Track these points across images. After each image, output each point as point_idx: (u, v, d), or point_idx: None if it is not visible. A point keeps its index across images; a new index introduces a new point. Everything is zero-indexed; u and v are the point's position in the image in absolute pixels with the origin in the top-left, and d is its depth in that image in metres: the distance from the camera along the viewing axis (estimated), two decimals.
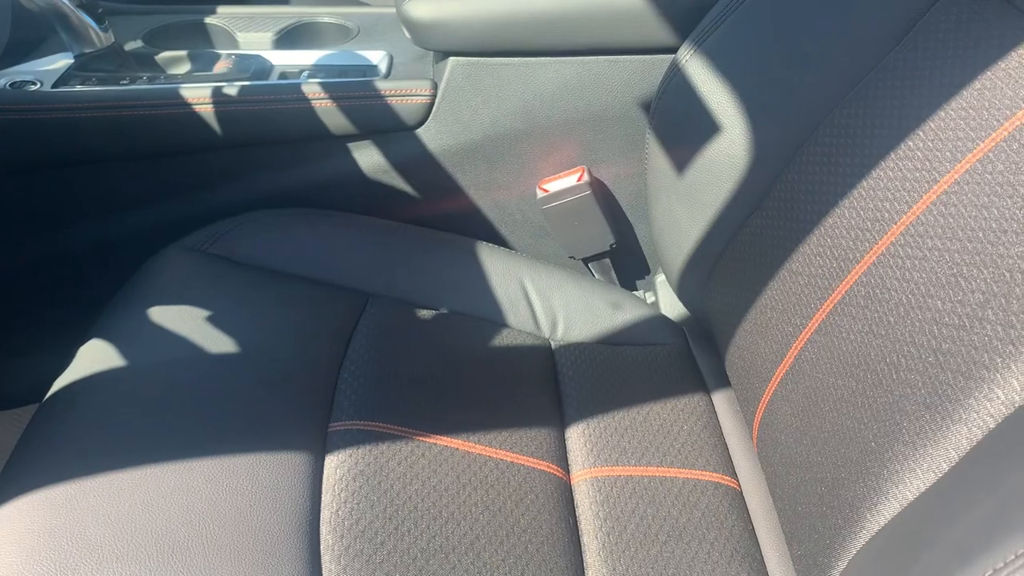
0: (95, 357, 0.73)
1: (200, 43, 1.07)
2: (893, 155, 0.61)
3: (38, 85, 0.93)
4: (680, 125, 0.79)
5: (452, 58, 0.93)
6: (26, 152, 0.93)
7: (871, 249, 0.60)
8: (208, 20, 1.09)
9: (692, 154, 0.77)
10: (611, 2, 0.89)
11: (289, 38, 1.07)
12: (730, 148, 0.74)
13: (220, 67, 0.98)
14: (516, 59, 0.93)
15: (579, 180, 0.97)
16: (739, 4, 0.74)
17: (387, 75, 0.97)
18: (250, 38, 1.07)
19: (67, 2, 0.91)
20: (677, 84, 0.77)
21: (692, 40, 0.77)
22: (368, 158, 0.97)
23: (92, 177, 0.96)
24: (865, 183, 0.62)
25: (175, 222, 0.93)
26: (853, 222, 0.62)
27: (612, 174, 1.00)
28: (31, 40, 1.00)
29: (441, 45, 0.94)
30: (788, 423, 0.64)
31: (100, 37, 0.94)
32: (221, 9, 1.11)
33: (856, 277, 0.60)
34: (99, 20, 0.94)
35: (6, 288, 1.02)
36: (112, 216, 0.99)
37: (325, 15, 1.10)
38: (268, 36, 1.06)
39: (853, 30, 0.67)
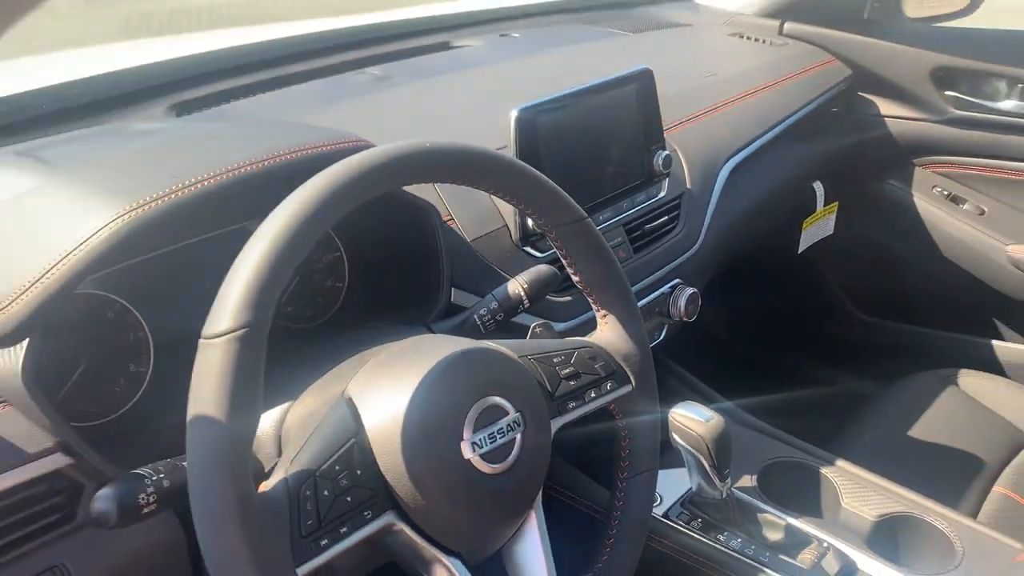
0: None
1: (806, 494, 1.15)
2: None
3: (658, 501, 1.11)
4: None
5: None
6: None
7: None
8: (824, 471, 1.16)
9: None
10: None
11: (888, 528, 1.09)
12: None
13: (807, 557, 1.04)
14: None
15: None
16: None
17: None
18: (853, 508, 1.11)
19: (710, 467, 1.05)
20: None
21: None
22: None
23: None
24: None
25: None
26: None
27: None
28: None
29: None
30: None
31: (721, 488, 1.08)
32: (842, 463, 1.18)
33: None
34: (723, 477, 1.07)
35: None
36: None
37: (937, 518, 1.09)
38: (869, 518, 1.09)
39: None
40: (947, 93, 1.71)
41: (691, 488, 1.11)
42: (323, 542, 0.61)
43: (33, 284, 0.70)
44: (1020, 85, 1.64)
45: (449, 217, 1.03)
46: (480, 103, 1.26)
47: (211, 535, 0.56)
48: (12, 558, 0.70)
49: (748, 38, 1.76)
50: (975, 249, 1.71)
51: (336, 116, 1.17)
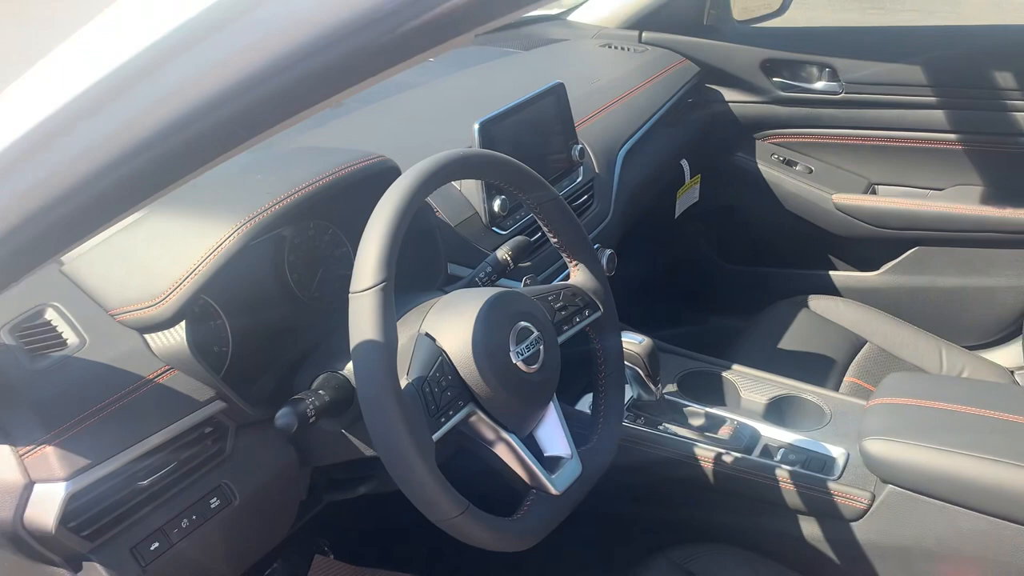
0: None
1: (715, 392, 1.53)
2: None
3: None
4: None
5: (892, 487, 1.26)
6: None
7: None
8: (725, 374, 1.55)
9: None
10: None
11: (777, 407, 1.48)
12: None
13: (724, 431, 1.41)
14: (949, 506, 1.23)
15: None
16: None
17: (840, 474, 1.32)
18: (750, 397, 1.50)
19: (646, 376, 1.41)
20: None
21: None
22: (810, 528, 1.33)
23: None
24: None
25: None
26: None
27: None
28: None
29: (889, 478, 1.27)
30: None
31: (656, 391, 1.44)
32: (736, 367, 1.57)
33: None
34: (655, 382, 1.43)
35: None
36: None
37: (809, 394, 1.49)
38: (762, 402, 1.48)
39: None
40: (774, 79, 2.15)
41: (633, 396, 1.46)
42: (442, 420, 0.91)
43: (184, 280, 0.97)
44: (827, 69, 2.10)
45: (436, 210, 1.33)
46: (433, 118, 1.57)
47: (380, 417, 0.86)
48: (195, 479, 0.97)
49: (615, 47, 2.14)
50: (808, 201, 2.16)
51: (322, 139, 1.45)
